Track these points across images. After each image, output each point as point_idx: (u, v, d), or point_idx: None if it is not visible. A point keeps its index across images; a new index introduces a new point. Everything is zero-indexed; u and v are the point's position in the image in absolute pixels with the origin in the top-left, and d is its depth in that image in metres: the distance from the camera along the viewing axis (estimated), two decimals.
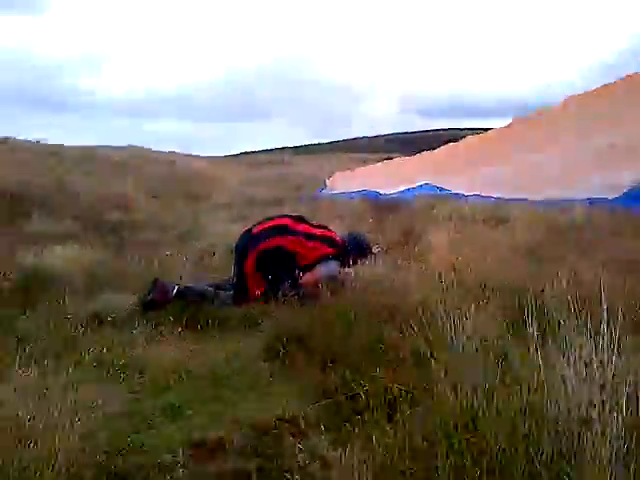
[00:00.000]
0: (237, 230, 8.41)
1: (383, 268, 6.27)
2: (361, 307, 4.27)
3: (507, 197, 13.84)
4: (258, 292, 5.43)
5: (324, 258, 5.70)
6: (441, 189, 14.77)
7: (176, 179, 19.16)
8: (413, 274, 5.74)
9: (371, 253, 6.31)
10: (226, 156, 49.12)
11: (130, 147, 29.39)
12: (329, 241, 5.86)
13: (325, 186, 15.84)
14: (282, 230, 5.70)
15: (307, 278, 5.48)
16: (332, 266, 5.77)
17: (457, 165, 15.80)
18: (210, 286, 5.59)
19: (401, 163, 16.78)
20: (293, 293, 5.13)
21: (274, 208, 13.03)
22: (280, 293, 5.18)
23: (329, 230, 6.13)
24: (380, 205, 13.15)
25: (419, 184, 14.97)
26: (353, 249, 5.98)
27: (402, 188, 14.94)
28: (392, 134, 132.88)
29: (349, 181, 16.03)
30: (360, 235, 6.50)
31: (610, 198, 11.94)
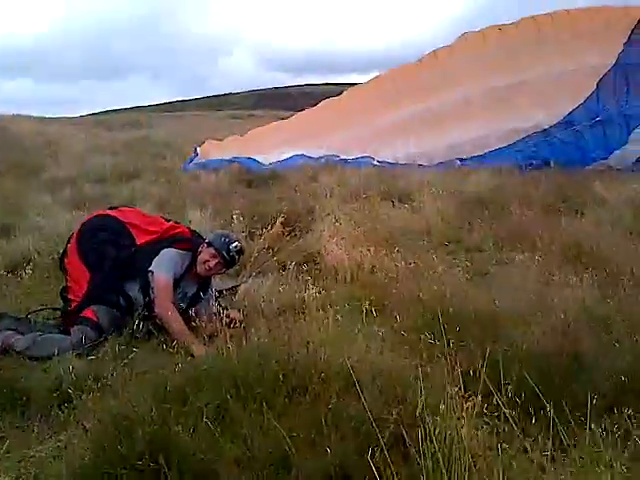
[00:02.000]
0: (73, 222, 6.33)
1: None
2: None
3: (399, 160, 12.42)
4: (91, 310, 4.49)
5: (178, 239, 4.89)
6: (324, 157, 12.98)
7: (6, 147, 15.95)
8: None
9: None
10: (73, 118, 44.21)
11: None
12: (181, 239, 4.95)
13: (196, 154, 13.43)
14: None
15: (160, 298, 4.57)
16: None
17: (337, 125, 13.98)
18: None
19: (278, 126, 14.66)
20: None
21: (129, 183, 10.67)
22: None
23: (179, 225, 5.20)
24: (254, 177, 11.12)
25: (296, 154, 13.07)
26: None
27: (280, 155, 12.98)
28: (257, 90, 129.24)
29: (223, 148, 13.71)
30: (228, 237, 4.94)
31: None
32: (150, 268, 4.55)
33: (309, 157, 13.07)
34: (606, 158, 12.42)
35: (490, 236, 7.19)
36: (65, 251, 4.78)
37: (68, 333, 4.33)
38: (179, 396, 3.47)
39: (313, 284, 5.55)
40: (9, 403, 3.57)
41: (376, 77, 15.59)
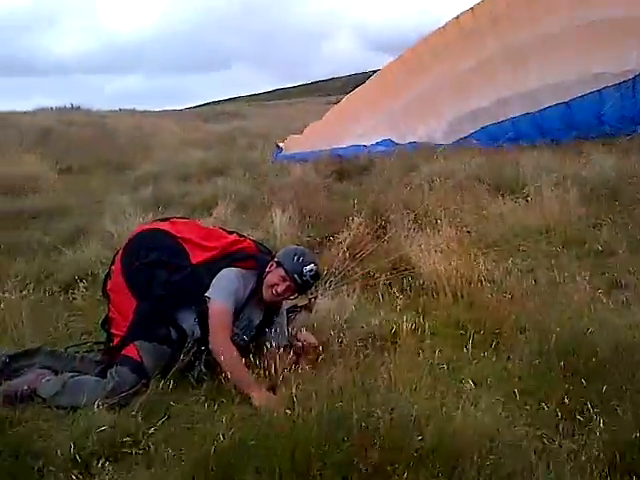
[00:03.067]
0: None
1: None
2: None
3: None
4: (134, 347, 3.67)
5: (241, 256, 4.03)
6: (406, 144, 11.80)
7: (100, 143, 15.87)
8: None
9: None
10: (178, 110, 44.94)
11: (58, 109, 25.70)
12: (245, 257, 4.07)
13: (280, 149, 12.64)
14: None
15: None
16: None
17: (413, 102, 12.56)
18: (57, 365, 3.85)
19: (347, 107, 13.43)
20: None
21: (214, 180, 10.06)
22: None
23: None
24: (346, 168, 10.16)
25: (377, 140, 11.96)
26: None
27: (358, 141, 11.93)
28: (360, 73, 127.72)
29: (303, 141, 12.83)
30: (303, 257, 3.94)
31: None
32: (206, 293, 3.73)
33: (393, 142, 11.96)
34: None
35: (624, 236, 5.87)
36: (108, 273, 4.03)
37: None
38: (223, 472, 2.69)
39: (406, 303, 4.63)
40: (22, 472, 2.86)
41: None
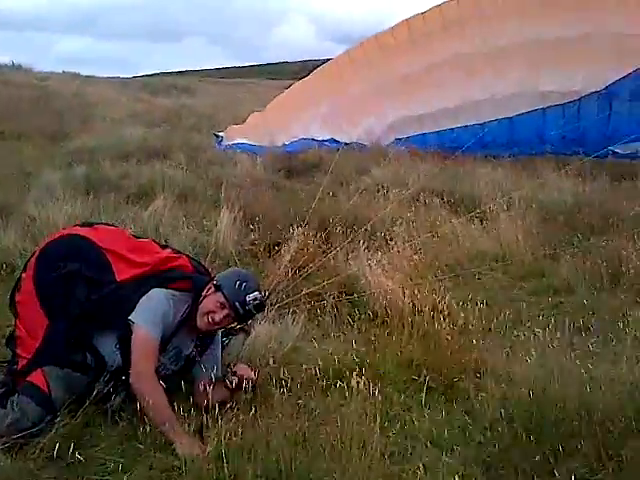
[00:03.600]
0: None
1: None
2: None
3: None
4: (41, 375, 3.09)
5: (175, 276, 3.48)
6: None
7: (39, 108, 14.83)
8: None
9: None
10: (125, 78, 43.20)
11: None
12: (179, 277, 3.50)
13: (220, 139, 11.93)
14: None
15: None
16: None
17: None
18: None
19: (290, 99, 12.79)
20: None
21: (153, 163, 9.39)
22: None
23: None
24: (295, 165, 9.68)
25: (324, 138, 11.47)
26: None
27: (302, 134, 11.43)
28: (313, 60, 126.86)
29: (246, 130, 12.14)
30: (246, 282, 3.42)
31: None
32: (131, 317, 3.20)
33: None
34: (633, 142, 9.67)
35: (583, 271, 5.60)
36: (18, 282, 3.43)
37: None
38: None
39: (355, 335, 4.23)
40: None
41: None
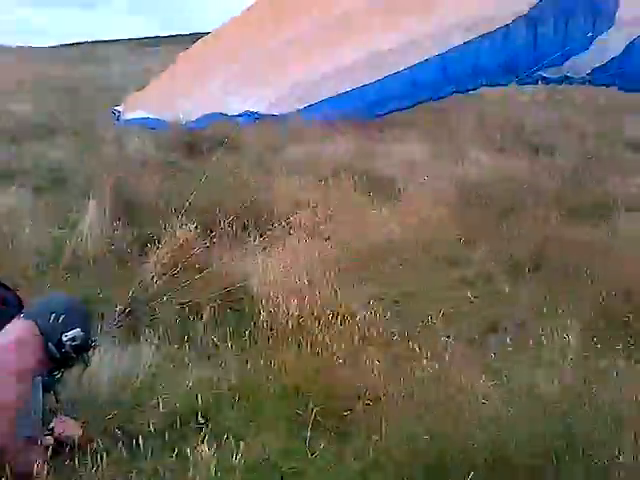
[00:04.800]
0: None
1: None
2: None
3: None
4: None
5: None
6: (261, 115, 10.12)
7: None
8: None
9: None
10: (41, 48, 40.75)
11: None
12: None
13: (118, 113, 10.65)
14: None
15: None
16: None
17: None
18: None
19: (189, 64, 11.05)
20: None
21: (33, 142, 8.30)
22: None
23: None
24: (199, 141, 8.69)
25: (237, 112, 10.25)
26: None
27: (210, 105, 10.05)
28: None
29: (146, 101, 10.78)
30: (66, 315, 2.58)
31: None
32: None
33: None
34: (561, 64, 9.50)
35: (503, 257, 5.02)
36: None
37: None
38: None
39: (232, 355, 3.48)
40: None
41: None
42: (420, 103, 10.20)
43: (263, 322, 3.73)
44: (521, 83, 9.66)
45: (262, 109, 10.15)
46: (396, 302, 4.35)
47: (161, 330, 3.60)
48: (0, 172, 6.52)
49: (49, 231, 5.04)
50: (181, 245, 4.37)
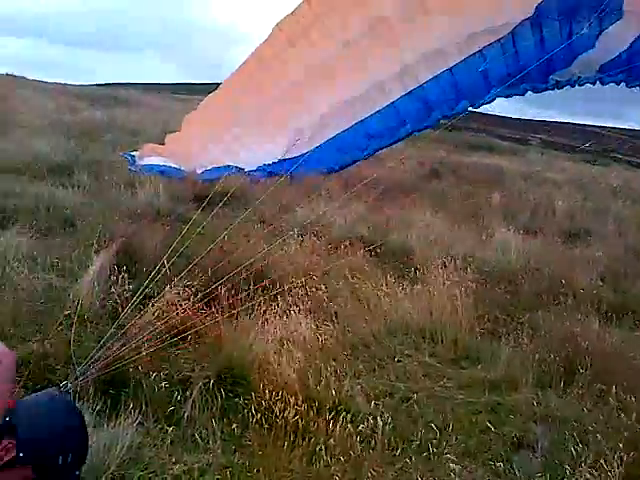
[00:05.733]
0: None
1: None
2: None
3: None
4: None
5: None
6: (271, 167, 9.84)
7: None
8: None
9: None
10: (71, 85, 41.42)
11: None
12: None
13: (133, 158, 10.42)
14: None
15: None
16: None
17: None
18: None
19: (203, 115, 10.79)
20: None
21: (46, 181, 8.05)
22: None
23: None
24: (210, 193, 8.38)
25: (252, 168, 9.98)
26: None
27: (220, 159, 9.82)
28: None
29: (162, 150, 10.54)
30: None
31: None
32: None
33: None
34: (569, 66, 9.03)
35: (529, 359, 4.51)
36: None
37: None
38: None
39: (223, 445, 3.08)
40: None
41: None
42: (437, 122, 9.85)
43: (257, 410, 3.33)
44: (536, 90, 9.18)
45: (273, 159, 9.91)
46: (405, 400, 3.91)
47: (143, 406, 3.21)
48: (7, 210, 6.27)
49: (45, 277, 4.71)
50: (175, 308, 4.02)
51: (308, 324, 4.44)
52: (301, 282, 5.26)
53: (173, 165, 9.81)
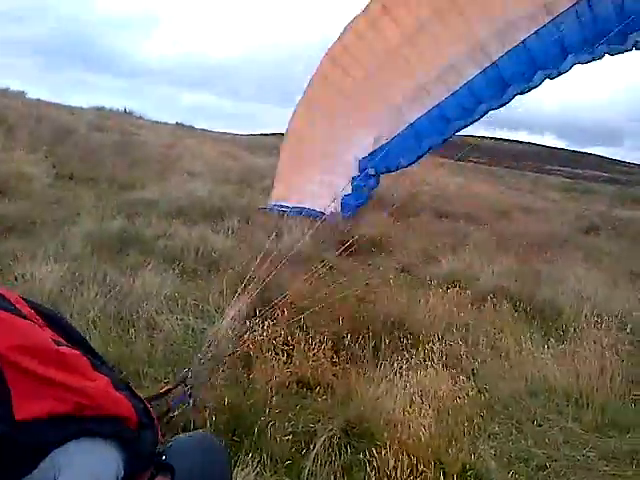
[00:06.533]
0: None
1: None
2: None
3: None
4: None
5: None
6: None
7: (120, 156, 14.54)
8: None
9: None
10: (238, 135, 44.08)
11: (112, 111, 24.58)
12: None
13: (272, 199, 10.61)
14: None
15: None
16: None
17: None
18: None
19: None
20: None
21: (199, 225, 8.55)
22: None
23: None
24: (344, 238, 8.44)
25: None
26: None
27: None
28: None
29: (295, 188, 10.49)
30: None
31: None
32: None
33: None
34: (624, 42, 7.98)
35: None
36: None
37: None
38: None
39: None
40: None
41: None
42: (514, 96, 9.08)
43: (388, 463, 3.22)
44: (615, 52, 8.19)
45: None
46: (542, 468, 3.63)
47: (264, 455, 3.23)
48: (156, 251, 6.73)
49: (184, 318, 4.95)
50: (307, 361, 4.03)
51: (443, 380, 4.27)
52: (439, 335, 5.13)
53: (297, 204, 9.87)
